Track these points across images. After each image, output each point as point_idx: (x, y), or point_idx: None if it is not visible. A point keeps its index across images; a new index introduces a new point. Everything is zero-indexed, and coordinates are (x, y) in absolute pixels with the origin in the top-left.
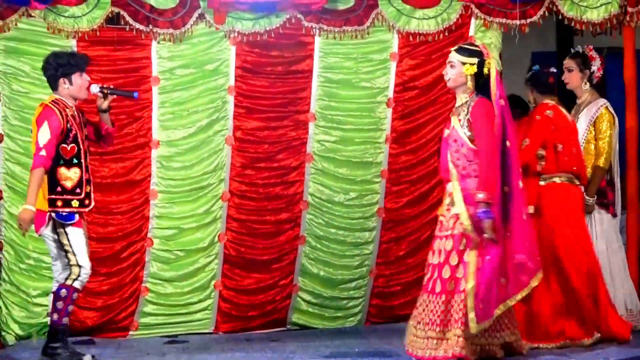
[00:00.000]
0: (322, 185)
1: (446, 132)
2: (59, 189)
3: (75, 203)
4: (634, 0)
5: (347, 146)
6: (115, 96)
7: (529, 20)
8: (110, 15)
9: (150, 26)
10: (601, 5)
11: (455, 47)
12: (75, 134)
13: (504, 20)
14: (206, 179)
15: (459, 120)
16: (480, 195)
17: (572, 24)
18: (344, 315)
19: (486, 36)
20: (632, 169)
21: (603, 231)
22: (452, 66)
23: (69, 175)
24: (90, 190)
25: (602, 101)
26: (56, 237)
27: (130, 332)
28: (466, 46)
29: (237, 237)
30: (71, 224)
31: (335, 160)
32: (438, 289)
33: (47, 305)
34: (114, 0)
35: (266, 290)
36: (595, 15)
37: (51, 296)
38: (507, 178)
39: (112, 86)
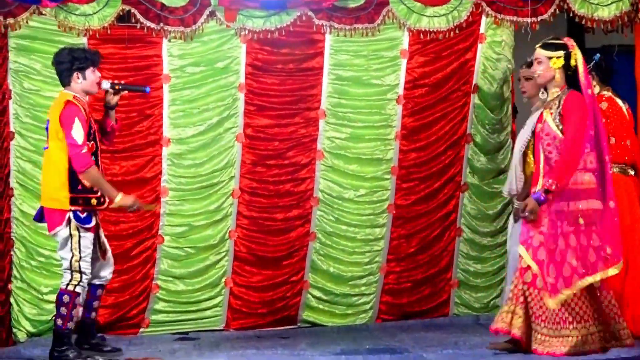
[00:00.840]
0: (332, 182)
1: (538, 126)
2: (79, 187)
3: (93, 201)
4: None
5: (357, 143)
6: (126, 92)
7: (539, 18)
8: (121, 13)
9: (161, 24)
10: (612, 2)
11: (540, 44)
12: (94, 131)
13: (514, 18)
14: (216, 176)
15: (551, 113)
16: (548, 183)
17: (583, 22)
18: (355, 312)
19: (497, 34)
20: None
21: None
22: (539, 62)
23: None
24: None
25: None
26: (69, 238)
27: (141, 329)
28: (550, 41)
29: (248, 234)
30: (86, 229)
31: (345, 157)
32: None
33: None
34: None
35: (277, 287)
36: (606, 13)
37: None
38: (600, 167)
39: (123, 82)
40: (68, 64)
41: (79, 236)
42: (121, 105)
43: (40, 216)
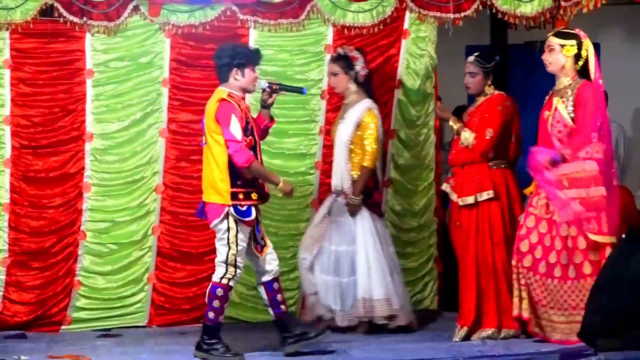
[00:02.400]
0: None
1: (546, 113)
2: (239, 182)
3: (254, 196)
4: None
5: (282, 138)
6: (283, 92)
7: (463, 14)
8: (44, 7)
9: (85, 18)
10: None
11: (553, 32)
12: (252, 126)
13: (438, 14)
14: (140, 171)
15: (563, 101)
16: (567, 151)
17: (506, 18)
18: None
19: (421, 29)
20: None
21: (376, 230)
22: (551, 50)
23: None
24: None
25: (368, 102)
26: (227, 231)
27: (63, 327)
28: (564, 30)
29: (171, 230)
30: (245, 222)
31: (269, 153)
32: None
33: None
34: None
35: (200, 283)
36: (529, 9)
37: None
38: (606, 159)
39: (280, 82)
40: (228, 59)
41: (237, 230)
42: (44, 101)
43: (201, 211)
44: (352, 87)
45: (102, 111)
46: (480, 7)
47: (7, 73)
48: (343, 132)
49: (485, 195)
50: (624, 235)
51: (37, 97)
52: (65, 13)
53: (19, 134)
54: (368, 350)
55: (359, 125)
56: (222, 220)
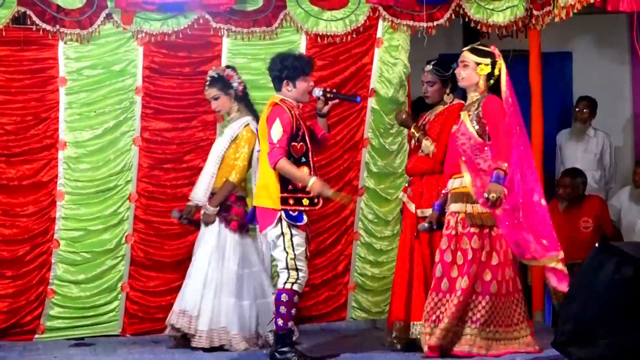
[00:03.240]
0: None
1: (454, 127)
2: (290, 187)
3: (305, 201)
4: (539, 4)
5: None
6: (337, 100)
7: (435, 23)
8: (16, 14)
9: (57, 26)
10: (507, 8)
11: (469, 47)
12: (304, 132)
13: (411, 23)
14: (113, 180)
15: (469, 115)
16: (504, 165)
17: (479, 27)
18: None
19: (394, 38)
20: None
21: (218, 244)
22: (465, 65)
23: None
24: None
25: (246, 119)
26: (281, 237)
27: (37, 335)
28: (479, 47)
29: (145, 239)
30: (298, 226)
31: None
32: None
33: None
34: (21, 0)
35: (174, 291)
36: (501, 18)
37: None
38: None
39: (334, 90)
40: (278, 72)
41: (291, 234)
42: (16, 109)
43: (252, 217)
44: (235, 105)
45: (75, 119)
46: (453, 16)
47: None
48: (218, 146)
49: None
50: (596, 245)
51: (10, 104)
52: (37, 21)
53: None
54: None
55: (234, 141)
56: (275, 226)
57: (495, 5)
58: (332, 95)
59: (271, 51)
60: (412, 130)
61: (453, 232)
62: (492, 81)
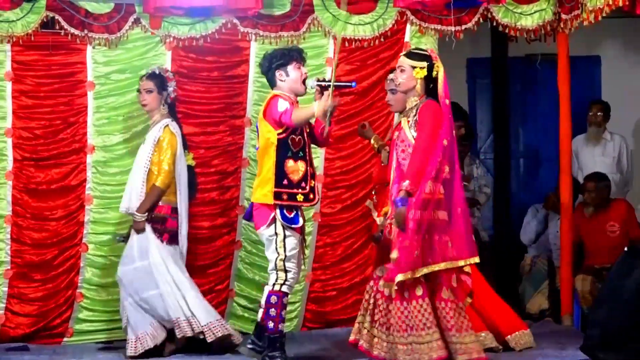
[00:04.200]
0: None
1: (395, 134)
2: (285, 181)
3: (300, 197)
4: (568, 8)
5: None
6: (335, 89)
7: (463, 27)
8: (45, 19)
9: (86, 31)
10: (535, 12)
11: (405, 52)
12: (302, 127)
13: (439, 27)
14: None
15: (408, 121)
16: (405, 183)
17: (507, 31)
18: None
19: (421, 42)
20: (565, 175)
21: (139, 250)
22: (402, 70)
23: (296, 168)
24: (314, 184)
25: (166, 121)
26: (274, 237)
27: (65, 339)
28: (415, 51)
29: None
30: (293, 228)
31: None
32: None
33: None
34: (49, 5)
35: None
36: (529, 22)
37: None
38: (451, 176)
39: (328, 80)
40: (267, 63)
41: (284, 235)
42: (45, 113)
43: (249, 214)
44: (162, 109)
45: (104, 123)
46: (481, 19)
47: (8, 85)
48: (142, 153)
49: None
50: (625, 249)
51: (39, 109)
52: (66, 25)
53: (20, 146)
54: None
55: (156, 144)
56: (268, 226)
57: (524, 9)
58: (326, 85)
59: None
60: (372, 141)
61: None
62: (431, 85)
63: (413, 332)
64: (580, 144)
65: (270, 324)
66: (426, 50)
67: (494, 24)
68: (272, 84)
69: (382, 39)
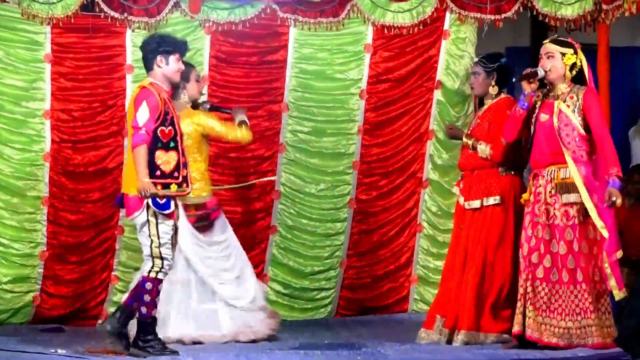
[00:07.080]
0: (294, 175)
1: (543, 117)
2: (157, 172)
3: (173, 187)
4: None
5: (320, 137)
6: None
7: (503, 16)
8: (85, 2)
9: (125, 14)
10: (576, 1)
11: (550, 39)
12: (172, 116)
13: (478, 15)
14: None
15: (568, 106)
16: (614, 170)
17: (547, 20)
18: (314, 306)
19: (461, 30)
20: None
21: None
22: (550, 57)
23: (167, 159)
24: (187, 174)
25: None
26: (146, 224)
27: (99, 321)
28: (560, 38)
29: None
30: (165, 214)
31: (307, 151)
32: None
33: (17, 292)
34: None
35: None
36: (569, 12)
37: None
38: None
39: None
40: (155, 44)
41: (157, 222)
42: (83, 96)
43: (120, 202)
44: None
45: None
46: (521, 8)
47: (48, 67)
48: None
49: (492, 200)
50: None
51: (77, 91)
52: (106, 8)
53: (59, 128)
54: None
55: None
56: (140, 213)
57: None
58: (214, 107)
59: (337, 42)
60: (465, 139)
61: (576, 222)
62: (574, 72)
63: (585, 316)
64: (633, 135)
65: (144, 310)
66: (568, 39)
67: (534, 12)
68: (149, 67)
69: (421, 27)
